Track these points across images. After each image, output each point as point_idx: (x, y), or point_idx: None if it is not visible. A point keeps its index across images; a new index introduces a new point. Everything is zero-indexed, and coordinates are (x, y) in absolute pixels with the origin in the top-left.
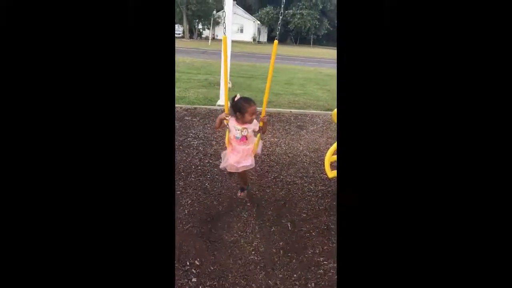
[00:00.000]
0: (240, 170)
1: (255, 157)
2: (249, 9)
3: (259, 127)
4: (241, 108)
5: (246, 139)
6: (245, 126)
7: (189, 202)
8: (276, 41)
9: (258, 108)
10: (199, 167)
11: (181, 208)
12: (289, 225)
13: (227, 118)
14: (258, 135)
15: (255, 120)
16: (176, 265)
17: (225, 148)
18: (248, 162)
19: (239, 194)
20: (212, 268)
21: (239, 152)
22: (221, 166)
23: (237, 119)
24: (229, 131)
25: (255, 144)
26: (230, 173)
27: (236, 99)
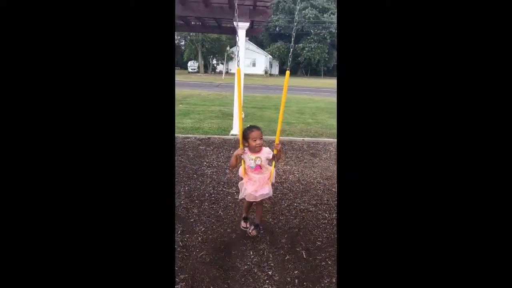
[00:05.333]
0: (258, 199)
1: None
2: (260, 45)
3: (273, 155)
4: (244, 135)
5: (260, 168)
6: (258, 155)
7: (202, 229)
8: (288, 71)
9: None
10: (213, 195)
11: (195, 235)
12: (304, 253)
13: (244, 151)
14: (273, 163)
15: (268, 149)
16: None
17: (239, 179)
18: (265, 191)
19: (251, 231)
20: None
21: (256, 181)
22: (240, 196)
23: (249, 149)
24: (244, 162)
25: (270, 173)
26: (248, 207)
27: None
